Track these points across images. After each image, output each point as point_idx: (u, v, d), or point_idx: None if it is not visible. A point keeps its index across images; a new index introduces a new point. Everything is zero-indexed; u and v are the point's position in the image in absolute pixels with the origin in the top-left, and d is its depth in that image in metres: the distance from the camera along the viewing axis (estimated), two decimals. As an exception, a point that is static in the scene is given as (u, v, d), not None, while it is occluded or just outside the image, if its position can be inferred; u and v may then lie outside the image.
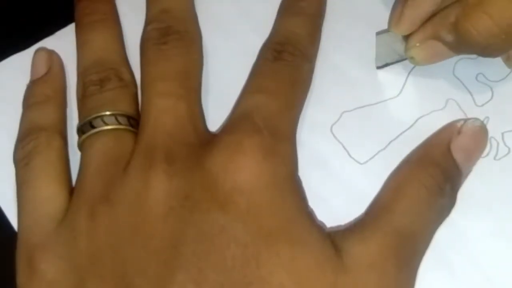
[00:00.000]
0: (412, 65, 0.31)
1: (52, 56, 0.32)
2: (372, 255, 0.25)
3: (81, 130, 0.29)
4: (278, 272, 0.24)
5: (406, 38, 0.30)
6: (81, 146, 0.29)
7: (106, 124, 0.28)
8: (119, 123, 0.28)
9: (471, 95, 0.31)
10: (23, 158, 0.29)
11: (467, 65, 0.31)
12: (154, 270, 0.24)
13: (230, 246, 0.24)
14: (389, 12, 0.31)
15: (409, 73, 0.31)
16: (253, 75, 0.30)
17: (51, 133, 0.29)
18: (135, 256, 0.25)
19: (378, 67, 0.31)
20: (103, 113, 0.28)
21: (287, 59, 0.29)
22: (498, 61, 0.31)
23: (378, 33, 0.31)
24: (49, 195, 0.27)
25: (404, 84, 0.31)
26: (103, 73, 0.30)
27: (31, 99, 0.30)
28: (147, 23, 0.31)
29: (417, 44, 0.29)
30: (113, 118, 0.28)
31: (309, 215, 0.26)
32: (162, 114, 0.27)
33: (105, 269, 0.25)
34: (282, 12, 0.32)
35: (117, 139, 0.28)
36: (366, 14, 0.32)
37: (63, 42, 0.32)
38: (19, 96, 0.31)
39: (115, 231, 0.25)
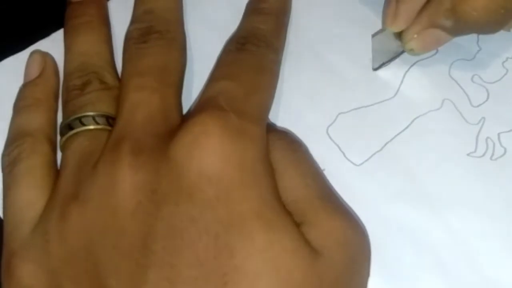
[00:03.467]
0: (407, 66, 0.31)
1: (46, 59, 0.32)
2: (335, 229, 0.25)
3: (61, 133, 0.29)
4: (253, 260, 0.23)
5: (400, 33, 0.30)
6: (62, 148, 0.29)
7: (84, 125, 0.28)
8: (97, 123, 0.28)
9: (467, 95, 0.31)
10: (8, 165, 0.28)
11: (463, 66, 0.31)
12: (126, 270, 0.24)
13: (202, 238, 0.23)
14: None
15: (404, 74, 0.31)
16: (216, 66, 0.29)
17: (36, 138, 0.29)
18: (107, 257, 0.24)
19: (375, 69, 0.31)
20: (81, 115, 0.28)
21: (251, 49, 0.29)
22: (493, 63, 0.31)
23: (373, 35, 0.30)
24: (28, 201, 0.27)
25: (400, 85, 0.31)
26: (84, 78, 0.29)
27: (21, 102, 0.30)
28: (130, 23, 0.31)
29: (415, 36, 0.29)
30: (90, 119, 0.28)
31: (280, 200, 0.25)
32: (134, 108, 0.27)
33: (79, 272, 0.25)
34: (246, 13, 0.32)
35: (93, 139, 0.28)
36: (361, 16, 0.32)
37: (58, 44, 0.32)
38: (13, 99, 0.31)
39: (86, 231, 0.25)
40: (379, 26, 0.31)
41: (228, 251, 0.23)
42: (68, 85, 0.30)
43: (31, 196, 0.27)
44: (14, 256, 0.26)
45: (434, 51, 0.32)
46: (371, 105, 0.31)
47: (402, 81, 0.31)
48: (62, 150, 0.29)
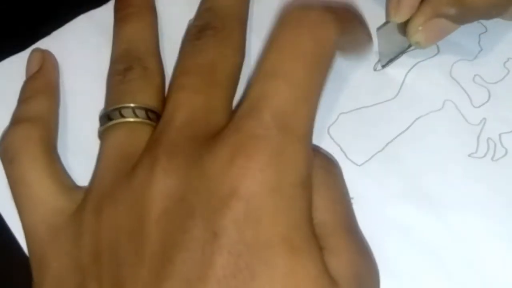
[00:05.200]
0: (409, 67, 0.31)
1: (45, 55, 0.32)
2: (354, 263, 0.24)
3: (100, 122, 0.29)
4: (274, 284, 0.22)
5: (405, 27, 0.30)
6: (100, 138, 0.29)
7: (123, 117, 0.28)
8: (136, 116, 0.28)
9: (468, 96, 0.31)
10: (4, 155, 0.28)
11: (464, 66, 0.31)
12: (143, 278, 0.23)
13: (223, 255, 0.22)
14: (383, 13, 0.31)
15: (406, 75, 0.31)
16: (267, 50, 0.25)
17: (31, 124, 0.29)
18: (129, 261, 0.24)
19: (383, 66, 0.31)
20: (121, 105, 0.28)
21: (312, 27, 0.25)
22: (495, 64, 0.31)
23: (378, 29, 0.30)
24: (46, 190, 0.27)
25: (401, 85, 0.31)
26: (128, 63, 0.30)
27: (20, 96, 0.31)
28: (191, 21, 0.31)
29: (420, 28, 0.29)
30: (130, 111, 0.28)
31: (312, 224, 0.24)
32: (175, 108, 0.26)
33: (102, 270, 0.25)
34: None
35: (131, 132, 0.28)
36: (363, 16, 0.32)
37: (59, 42, 0.32)
38: (16, 98, 0.31)
39: (115, 231, 0.25)
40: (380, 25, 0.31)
41: (249, 272, 0.22)
42: (112, 71, 0.30)
43: (46, 185, 0.27)
44: (49, 246, 0.26)
45: (435, 51, 0.32)
46: (372, 105, 0.31)
47: (403, 82, 0.31)
48: (101, 140, 0.29)
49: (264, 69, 0.24)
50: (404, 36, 0.30)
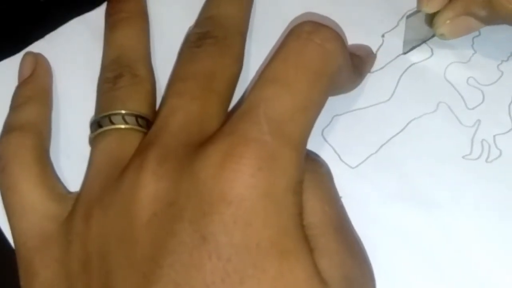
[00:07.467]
0: (403, 69, 0.31)
1: (37, 59, 0.32)
2: (345, 264, 0.24)
3: (90, 129, 0.29)
4: None
5: (432, 18, 0.31)
6: (91, 144, 0.29)
7: (112, 124, 0.28)
8: (126, 123, 0.28)
9: (462, 98, 0.31)
10: None
11: (458, 69, 0.32)
12: (132, 282, 0.23)
13: (211, 259, 0.22)
14: (379, 15, 0.32)
15: (400, 77, 0.31)
16: (273, 58, 0.25)
17: (24, 132, 0.29)
18: (118, 266, 0.24)
19: (405, 53, 0.32)
20: (111, 112, 0.28)
21: (316, 41, 0.25)
22: (489, 65, 0.31)
23: (408, 17, 0.31)
24: (36, 198, 0.27)
25: (396, 87, 0.31)
26: (118, 71, 0.30)
27: (12, 103, 0.31)
28: (191, 28, 0.31)
29: (448, 22, 0.30)
30: (120, 118, 0.28)
31: (302, 229, 0.24)
32: (170, 114, 0.26)
33: (92, 277, 0.24)
34: None
35: (121, 139, 0.28)
36: (356, 18, 0.32)
37: (52, 45, 0.32)
38: (9, 103, 0.31)
39: (105, 237, 0.25)
40: (375, 27, 0.32)
41: (238, 276, 0.22)
42: (102, 78, 0.30)
43: (37, 192, 0.27)
44: (37, 253, 0.26)
45: (429, 53, 0.32)
46: (367, 107, 0.31)
47: (397, 84, 0.31)
48: (91, 147, 0.29)
49: (266, 75, 0.24)
50: (429, 26, 0.31)
